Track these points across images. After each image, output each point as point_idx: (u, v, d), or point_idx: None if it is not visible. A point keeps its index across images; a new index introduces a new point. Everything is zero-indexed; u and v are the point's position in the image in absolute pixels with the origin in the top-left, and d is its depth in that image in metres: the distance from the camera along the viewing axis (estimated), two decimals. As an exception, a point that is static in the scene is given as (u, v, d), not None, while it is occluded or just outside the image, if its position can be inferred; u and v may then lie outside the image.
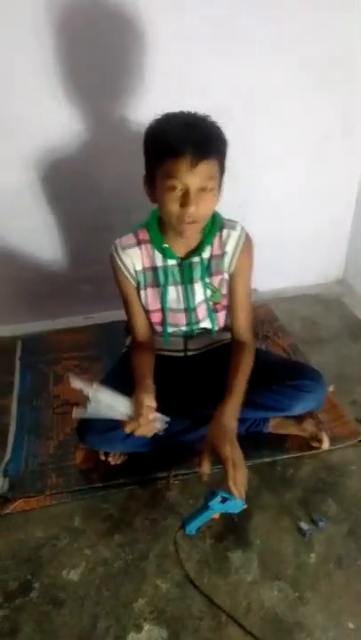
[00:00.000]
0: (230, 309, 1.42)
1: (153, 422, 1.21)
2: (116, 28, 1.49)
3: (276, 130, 1.81)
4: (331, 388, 1.60)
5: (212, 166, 1.12)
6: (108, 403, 1.20)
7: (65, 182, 1.74)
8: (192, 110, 1.16)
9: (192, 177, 1.11)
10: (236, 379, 1.31)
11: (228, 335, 1.53)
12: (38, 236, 1.86)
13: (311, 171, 1.97)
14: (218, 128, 1.16)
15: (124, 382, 1.38)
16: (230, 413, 1.25)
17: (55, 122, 1.61)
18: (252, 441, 1.46)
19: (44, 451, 1.51)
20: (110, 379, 1.48)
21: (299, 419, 1.47)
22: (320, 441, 1.44)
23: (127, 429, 1.20)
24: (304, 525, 1.27)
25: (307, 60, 1.68)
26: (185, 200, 1.13)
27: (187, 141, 1.07)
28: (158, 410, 1.24)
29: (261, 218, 1.95)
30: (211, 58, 1.59)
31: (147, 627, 1.09)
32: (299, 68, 1.70)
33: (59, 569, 1.20)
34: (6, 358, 1.90)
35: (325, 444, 1.43)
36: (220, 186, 1.21)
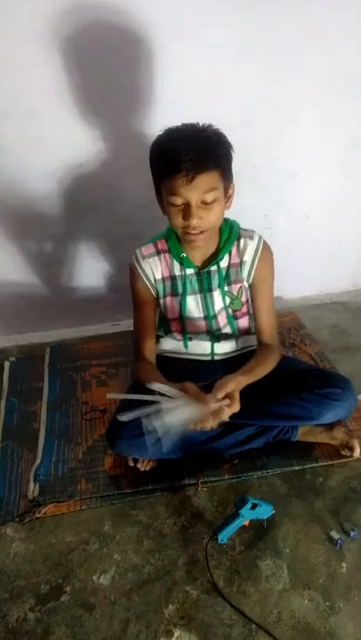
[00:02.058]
0: (254, 318, 1.44)
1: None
2: (144, 47, 1.52)
3: (302, 138, 1.81)
4: (360, 397, 1.58)
5: (211, 177, 1.13)
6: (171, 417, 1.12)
7: (94, 194, 1.77)
8: (196, 122, 1.16)
9: (190, 191, 1.12)
10: (253, 364, 1.31)
11: (254, 341, 1.54)
12: (67, 246, 1.89)
13: (338, 178, 1.96)
14: (218, 136, 1.16)
15: (151, 389, 1.40)
16: (242, 374, 1.23)
17: (84, 137, 1.65)
18: (281, 449, 1.46)
19: (73, 456, 1.53)
20: (137, 388, 1.50)
21: (328, 426, 1.46)
22: (351, 448, 1.42)
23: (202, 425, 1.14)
24: (335, 535, 1.25)
25: (335, 67, 1.68)
26: (187, 214, 1.16)
27: (182, 157, 1.08)
28: None
29: (288, 226, 1.96)
30: (239, 69, 1.60)
31: (177, 633, 1.09)
32: (327, 76, 1.69)
33: (89, 573, 1.22)
34: (36, 365, 1.94)
35: (357, 452, 1.41)
36: (226, 193, 1.21)
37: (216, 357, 1.51)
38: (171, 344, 1.52)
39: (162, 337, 1.53)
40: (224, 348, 1.51)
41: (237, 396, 1.17)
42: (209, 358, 1.51)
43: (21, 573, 1.23)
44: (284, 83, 1.67)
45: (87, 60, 1.52)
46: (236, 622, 1.10)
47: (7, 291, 1.96)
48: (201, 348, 1.49)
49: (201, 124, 1.16)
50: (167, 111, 1.62)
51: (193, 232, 1.20)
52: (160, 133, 1.18)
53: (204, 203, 1.15)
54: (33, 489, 1.41)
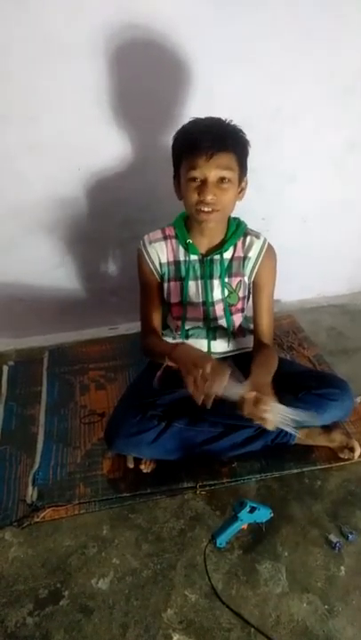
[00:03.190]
0: (254, 316, 1.48)
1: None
2: (146, 50, 1.53)
3: (300, 142, 1.82)
4: (358, 400, 1.59)
5: (229, 158, 1.23)
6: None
7: (93, 197, 1.78)
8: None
9: (209, 167, 1.21)
10: (265, 364, 1.35)
11: (249, 343, 1.56)
12: (66, 249, 1.90)
13: (336, 182, 1.97)
14: (238, 129, 1.26)
15: (149, 389, 1.41)
16: (265, 374, 1.29)
17: (82, 141, 1.65)
18: (279, 452, 1.46)
19: (71, 460, 1.52)
20: (136, 386, 1.51)
21: (326, 429, 1.46)
22: (351, 449, 1.42)
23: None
24: (333, 538, 1.25)
25: (333, 72, 1.69)
26: (203, 188, 1.24)
27: (204, 136, 1.19)
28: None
29: (286, 229, 1.97)
30: (239, 74, 1.61)
31: (176, 637, 1.09)
32: (325, 81, 1.71)
33: (88, 578, 1.21)
34: (34, 369, 1.94)
35: (357, 452, 1.42)
36: (240, 182, 1.29)
37: (213, 356, 1.51)
38: (169, 341, 1.53)
39: (161, 334, 1.54)
40: (221, 346, 1.53)
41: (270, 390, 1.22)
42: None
43: (20, 578, 1.22)
44: (283, 87, 1.68)
45: (84, 65, 1.52)
46: (234, 626, 1.10)
47: (5, 294, 1.96)
48: (198, 346, 1.50)
49: (222, 118, 1.26)
50: (165, 114, 1.63)
51: (206, 209, 1.26)
52: (184, 124, 1.28)
53: (220, 181, 1.23)
54: (31, 493, 1.41)
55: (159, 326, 1.53)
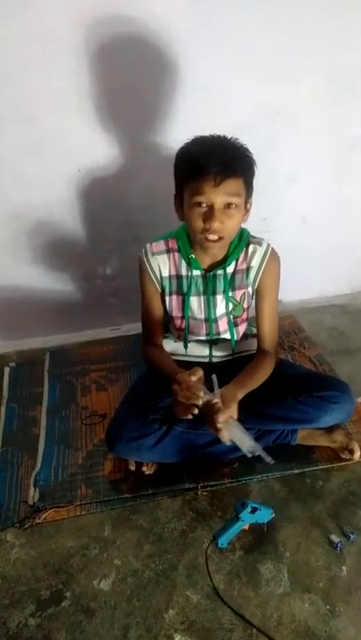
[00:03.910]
0: (256, 322, 1.46)
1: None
2: (144, 51, 1.53)
3: (301, 142, 1.82)
4: (360, 400, 1.58)
5: (236, 184, 1.18)
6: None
7: (93, 199, 1.78)
8: (221, 133, 1.21)
9: (216, 194, 1.16)
10: (250, 374, 1.36)
11: (253, 345, 1.55)
12: (66, 251, 1.90)
13: (336, 182, 1.97)
14: (245, 149, 1.21)
15: (150, 392, 1.41)
16: (240, 386, 1.29)
17: (82, 142, 1.65)
18: (281, 453, 1.45)
19: (73, 461, 1.53)
20: (137, 389, 1.51)
21: (328, 429, 1.46)
22: (351, 451, 1.42)
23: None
24: (335, 538, 1.25)
25: (333, 73, 1.69)
26: (209, 215, 1.19)
27: (212, 160, 1.13)
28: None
29: (287, 229, 1.97)
30: (238, 75, 1.61)
31: (178, 637, 1.09)
32: (326, 81, 1.71)
33: (90, 579, 1.22)
34: (35, 370, 1.94)
35: (357, 454, 1.42)
36: (246, 205, 1.25)
37: (214, 360, 1.52)
38: (170, 346, 1.54)
39: (163, 337, 1.54)
40: (222, 350, 1.52)
41: (235, 408, 1.24)
42: (207, 360, 1.52)
43: (22, 579, 1.23)
44: (283, 87, 1.68)
45: (85, 66, 1.52)
46: (236, 627, 1.10)
47: (7, 296, 1.96)
48: (199, 350, 1.51)
49: (227, 136, 1.20)
50: (166, 116, 1.63)
51: (211, 238, 1.23)
52: (187, 141, 1.22)
53: (227, 207, 1.19)
54: (33, 494, 1.41)
55: (161, 336, 1.52)
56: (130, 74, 1.56)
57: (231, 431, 1.23)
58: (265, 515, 1.27)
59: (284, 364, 1.44)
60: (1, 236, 1.82)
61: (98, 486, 1.43)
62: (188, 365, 1.48)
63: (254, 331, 1.53)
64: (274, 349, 1.47)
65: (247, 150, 1.21)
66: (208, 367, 1.51)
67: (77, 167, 1.71)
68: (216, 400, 1.21)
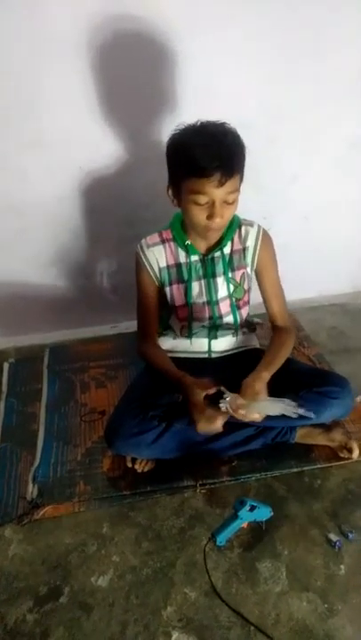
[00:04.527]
0: (264, 302, 1.50)
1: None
2: (147, 49, 1.53)
3: (302, 140, 1.82)
4: (359, 399, 1.58)
5: (235, 181, 1.20)
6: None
7: (95, 195, 1.78)
8: (211, 120, 1.20)
9: (218, 193, 1.19)
10: (273, 353, 1.39)
11: (252, 341, 1.56)
12: (67, 247, 1.90)
13: (338, 180, 1.96)
14: (239, 140, 1.21)
15: (149, 390, 1.41)
16: (262, 373, 1.29)
17: (88, 137, 1.65)
18: (279, 451, 1.46)
19: (72, 457, 1.53)
20: (137, 386, 1.51)
21: (327, 428, 1.46)
22: (350, 450, 1.42)
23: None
24: (333, 537, 1.25)
25: (335, 70, 1.69)
26: (211, 212, 1.22)
27: (215, 162, 1.14)
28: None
29: (287, 228, 1.96)
30: (239, 73, 1.61)
31: (175, 634, 1.09)
32: (327, 79, 1.70)
33: (88, 575, 1.21)
34: (35, 366, 1.94)
35: (356, 453, 1.42)
36: (239, 191, 1.27)
37: (213, 355, 1.53)
38: (169, 343, 1.54)
39: (160, 334, 1.54)
40: (221, 345, 1.52)
41: (265, 391, 1.26)
42: (206, 356, 1.52)
43: (20, 575, 1.22)
44: (285, 85, 1.68)
45: (88, 63, 1.52)
46: (234, 624, 1.10)
47: (6, 292, 1.96)
48: (198, 345, 1.51)
49: (219, 123, 1.20)
50: (168, 113, 1.63)
51: (212, 230, 1.28)
52: (179, 131, 1.22)
53: (226, 202, 1.22)
54: (31, 490, 1.41)
55: (156, 333, 1.53)
56: (132, 71, 1.56)
57: (262, 410, 1.24)
58: (264, 513, 1.27)
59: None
60: (2, 231, 1.81)
61: (96, 483, 1.43)
62: (187, 362, 1.49)
63: (255, 320, 1.54)
64: (289, 323, 1.51)
65: (240, 142, 1.21)
66: (207, 363, 1.52)
67: (79, 164, 1.71)
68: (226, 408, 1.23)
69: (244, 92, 1.65)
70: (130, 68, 1.55)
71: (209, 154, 1.14)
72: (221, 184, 1.17)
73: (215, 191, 1.18)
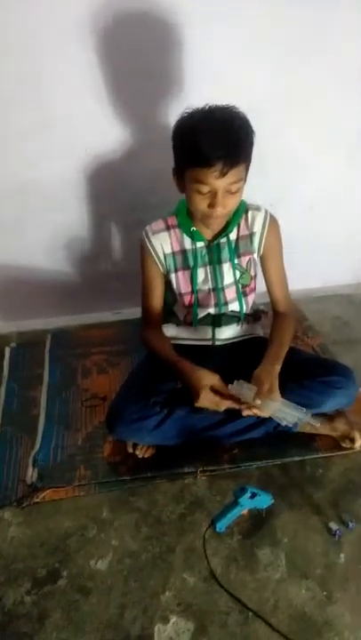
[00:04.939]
0: (267, 287, 1.49)
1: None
2: (155, 32, 1.50)
3: (309, 129, 1.80)
4: (361, 389, 1.57)
5: (239, 170, 1.18)
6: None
7: (100, 180, 1.76)
8: (220, 104, 1.17)
9: (221, 182, 1.16)
10: (278, 342, 1.38)
11: (256, 329, 1.55)
12: (70, 232, 1.88)
13: (344, 170, 1.94)
14: (246, 127, 1.18)
15: (151, 376, 1.40)
16: (273, 365, 1.29)
17: (94, 121, 1.63)
18: (281, 439, 1.45)
19: (72, 442, 1.52)
20: (139, 372, 1.51)
21: (329, 418, 1.45)
22: (352, 440, 1.42)
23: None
24: (333, 525, 1.25)
25: (345, 58, 1.66)
26: (213, 201, 1.20)
27: (218, 152, 1.11)
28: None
29: (293, 217, 1.93)
30: (248, 59, 1.59)
31: (173, 619, 1.09)
32: (336, 67, 1.68)
33: (86, 559, 1.21)
34: (36, 351, 1.93)
35: (358, 443, 1.41)
36: (245, 180, 1.25)
37: (217, 343, 1.52)
38: (172, 330, 1.53)
39: (165, 321, 1.53)
40: (225, 333, 1.51)
41: (277, 388, 1.25)
42: (210, 344, 1.51)
43: (19, 557, 1.22)
44: (294, 72, 1.65)
45: (92, 44, 1.50)
46: (232, 610, 1.10)
47: (9, 276, 1.95)
48: (202, 332, 1.50)
49: (228, 108, 1.17)
50: (176, 97, 1.61)
51: (214, 218, 1.26)
52: (186, 115, 1.19)
53: (229, 191, 1.19)
54: (32, 474, 1.41)
55: (160, 320, 1.52)
56: (140, 55, 1.53)
57: (272, 409, 1.23)
58: (264, 500, 1.26)
59: (288, 349, 1.43)
60: (6, 215, 1.80)
61: (97, 468, 1.43)
62: (191, 349, 1.48)
63: (261, 308, 1.53)
64: (291, 308, 1.51)
65: (248, 128, 1.17)
66: (211, 351, 1.51)
67: (85, 147, 1.69)
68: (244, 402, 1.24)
69: (253, 78, 1.62)
70: (138, 53, 1.53)
71: (213, 142, 1.11)
72: (223, 174, 1.14)
73: (217, 182, 1.16)
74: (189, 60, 1.57)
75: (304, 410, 1.22)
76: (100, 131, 1.66)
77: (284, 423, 1.24)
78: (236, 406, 1.24)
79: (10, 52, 1.48)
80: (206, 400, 1.24)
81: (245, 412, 1.23)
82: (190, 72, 1.58)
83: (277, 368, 1.29)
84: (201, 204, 1.22)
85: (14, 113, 1.58)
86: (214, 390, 1.25)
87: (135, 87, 1.60)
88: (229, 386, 1.25)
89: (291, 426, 1.26)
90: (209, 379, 1.26)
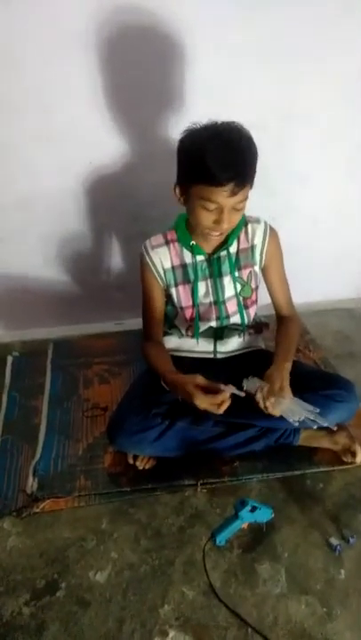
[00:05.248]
0: (270, 293, 1.51)
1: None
2: (156, 46, 1.52)
3: (312, 143, 1.81)
4: (363, 403, 1.57)
5: (247, 189, 1.20)
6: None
7: (102, 191, 1.77)
8: (224, 121, 1.18)
9: (229, 202, 1.18)
10: (286, 342, 1.41)
11: (258, 342, 1.56)
12: (72, 243, 1.89)
13: (347, 184, 1.96)
14: (253, 147, 1.18)
15: (153, 387, 1.40)
16: (283, 364, 1.32)
17: (97, 133, 1.64)
18: (282, 453, 1.45)
19: (73, 452, 1.52)
20: (140, 383, 1.51)
21: (330, 431, 1.45)
22: (353, 454, 1.41)
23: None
24: (334, 541, 1.24)
25: (345, 73, 1.68)
26: (219, 218, 1.22)
27: (228, 172, 1.12)
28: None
29: (294, 230, 1.94)
30: (251, 73, 1.61)
31: (172, 633, 1.08)
32: (337, 82, 1.69)
33: (85, 570, 1.21)
34: (38, 360, 1.93)
35: (359, 457, 1.40)
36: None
37: (219, 356, 1.52)
38: (174, 342, 1.53)
39: (166, 333, 1.53)
40: (227, 346, 1.52)
41: (288, 386, 1.27)
42: (211, 356, 1.51)
43: (17, 568, 1.22)
44: (295, 87, 1.67)
45: (98, 58, 1.52)
46: (231, 625, 1.09)
47: (12, 286, 1.96)
48: (204, 345, 1.50)
49: (234, 126, 1.17)
50: (177, 111, 1.63)
51: (216, 234, 1.28)
52: (191, 132, 1.19)
53: (235, 209, 1.21)
54: (32, 484, 1.41)
55: (159, 333, 1.51)
56: (141, 69, 1.55)
57: (282, 407, 1.24)
58: (264, 514, 1.26)
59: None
60: (9, 224, 1.81)
61: (97, 478, 1.43)
62: (193, 362, 1.48)
63: (263, 320, 1.54)
64: (294, 312, 1.54)
65: (253, 148, 1.18)
66: (213, 363, 1.51)
67: (89, 159, 1.71)
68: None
69: (254, 93, 1.64)
70: (138, 65, 1.55)
71: (223, 163, 1.11)
72: (234, 194, 1.16)
73: (225, 200, 1.17)
74: (191, 74, 1.58)
75: (314, 408, 1.22)
76: (101, 143, 1.67)
77: (291, 420, 1.23)
78: (234, 392, 1.22)
79: (13, 63, 1.50)
80: (203, 402, 1.19)
81: (261, 404, 1.24)
82: (192, 86, 1.60)
83: (288, 366, 1.31)
84: (207, 220, 1.23)
85: (17, 124, 1.60)
86: (206, 389, 1.22)
87: (137, 100, 1.61)
88: (243, 381, 1.27)
89: (299, 423, 1.24)
90: (191, 378, 1.23)
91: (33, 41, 1.47)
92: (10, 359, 1.95)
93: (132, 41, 1.51)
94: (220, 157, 1.11)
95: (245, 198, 1.21)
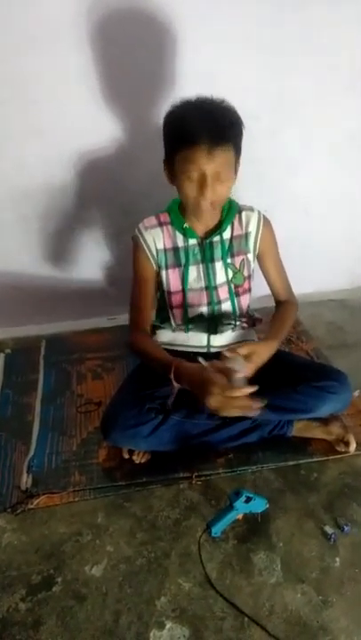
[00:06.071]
0: (267, 281, 1.52)
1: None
2: (148, 35, 1.51)
3: (303, 133, 1.81)
4: (356, 394, 1.58)
5: (227, 152, 1.19)
6: None
7: (93, 184, 1.76)
8: (209, 95, 1.20)
9: (208, 163, 1.17)
10: (276, 324, 1.43)
11: (251, 336, 1.55)
12: (65, 237, 1.88)
13: (338, 175, 1.95)
14: (233, 112, 1.21)
15: (146, 382, 1.40)
16: (271, 341, 1.34)
17: (87, 124, 1.63)
18: (276, 444, 1.45)
19: (67, 448, 1.52)
20: (134, 378, 1.50)
21: (324, 421, 1.46)
22: (347, 443, 1.42)
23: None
24: (329, 529, 1.25)
25: (336, 63, 1.68)
26: (202, 185, 1.21)
27: (203, 129, 1.13)
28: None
29: (287, 221, 1.94)
30: (240, 62, 1.60)
31: (169, 625, 1.08)
32: (328, 72, 1.69)
33: (81, 564, 1.21)
34: (31, 357, 1.93)
35: (353, 446, 1.41)
36: (236, 169, 1.27)
37: (212, 350, 1.51)
38: (167, 336, 1.52)
39: (158, 327, 1.53)
40: (220, 339, 1.51)
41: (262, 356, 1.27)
42: (205, 350, 1.51)
43: (13, 564, 1.22)
44: (286, 77, 1.66)
45: (88, 48, 1.50)
46: (228, 615, 1.10)
47: (3, 282, 1.94)
48: (197, 339, 1.50)
49: (217, 98, 1.20)
50: (168, 101, 1.60)
51: (204, 206, 1.25)
52: (174, 105, 1.22)
53: (218, 175, 1.20)
54: (26, 480, 1.40)
55: (149, 322, 1.48)
56: (133, 58, 1.54)
57: (234, 364, 1.17)
58: (259, 505, 1.26)
59: (282, 354, 1.43)
60: (-1, 221, 1.80)
61: (92, 473, 1.43)
62: (185, 356, 1.47)
63: (256, 315, 1.54)
64: (292, 296, 1.55)
65: (235, 113, 1.21)
66: (206, 357, 1.50)
67: (78, 151, 1.69)
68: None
69: (246, 82, 1.62)
70: (129, 54, 1.53)
71: (199, 122, 1.14)
72: (210, 153, 1.15)
73: (204, 161, 1.16)
74: (183, 63, 1.57)
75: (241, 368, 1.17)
76: (92, 135, 1.66)
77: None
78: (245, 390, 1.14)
79: (1, 53, 1.47)
80: (217, 402, 1.12)
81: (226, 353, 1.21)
82: (184, 75, 1.59)
83: (276, 345, 1.35)
84: (190, 189, 1.23)
85: (5, 116, 1.58)
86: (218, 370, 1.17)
87: (129, 90, 1.60)
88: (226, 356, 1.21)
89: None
90: (210, 377, 1.14)
91: (20, 30, 1.44)
92: (2, 356, 1.94)
93: (123, 28, 1.49)
94: (195, 116, 1.15)
95: (228, 165, 1.20)
